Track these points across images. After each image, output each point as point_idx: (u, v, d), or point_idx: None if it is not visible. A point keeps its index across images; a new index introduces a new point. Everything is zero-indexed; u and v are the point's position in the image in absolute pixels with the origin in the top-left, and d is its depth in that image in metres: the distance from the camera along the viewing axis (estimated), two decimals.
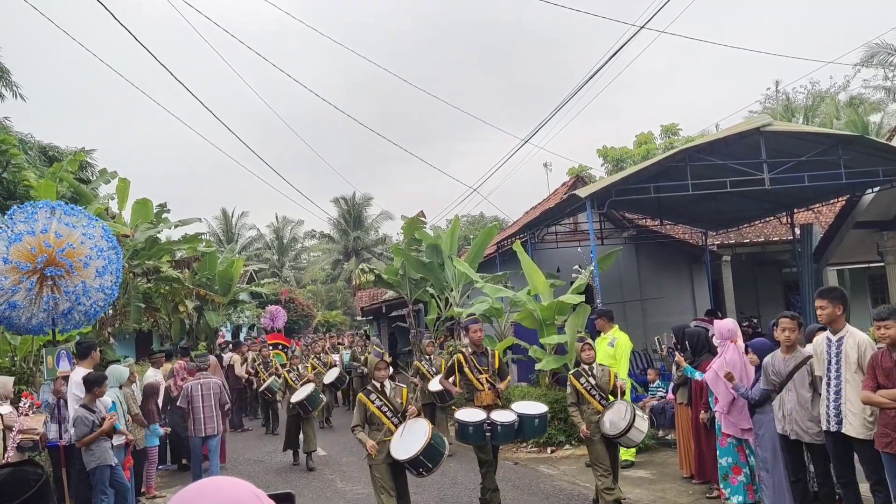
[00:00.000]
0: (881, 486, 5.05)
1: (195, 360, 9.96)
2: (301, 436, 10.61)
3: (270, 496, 1.26)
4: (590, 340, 7.40)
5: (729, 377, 6.21)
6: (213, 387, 9.05)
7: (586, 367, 6.82)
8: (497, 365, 7.17)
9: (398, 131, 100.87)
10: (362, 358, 15.07)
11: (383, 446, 6.13)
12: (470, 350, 7.24)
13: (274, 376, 13.12)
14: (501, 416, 6.63)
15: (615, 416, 6.49)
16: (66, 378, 7.63)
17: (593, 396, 6.67)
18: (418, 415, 6.40)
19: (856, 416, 5.08)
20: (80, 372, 7.50)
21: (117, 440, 7.54)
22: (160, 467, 10.32)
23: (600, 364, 7.10)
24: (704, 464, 7.29)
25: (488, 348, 7.34)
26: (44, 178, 11.90)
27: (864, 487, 5.27)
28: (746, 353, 6.45)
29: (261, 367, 14.43)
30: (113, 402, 7.68)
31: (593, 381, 6.73)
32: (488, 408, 6.80)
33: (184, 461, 10.77)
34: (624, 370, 8.64)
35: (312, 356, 15.87)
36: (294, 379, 11.33)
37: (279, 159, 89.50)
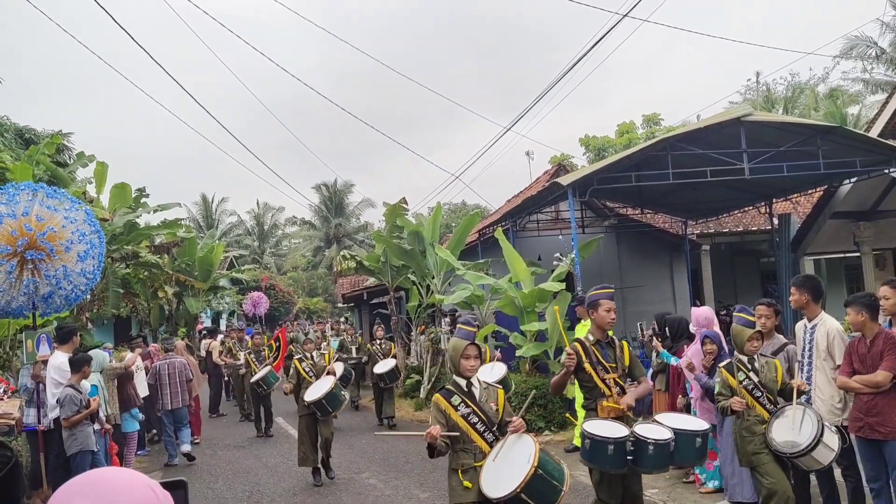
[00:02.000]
0: (852, 472, 5.19)
1: (163, 343, 11.33)
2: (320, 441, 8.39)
3: (162, 484, 1.24)
4: (759, 328, 5.44)
5: (690, 367, 6.34)
6: (178, 366, 10.23)
7: (744, 358, 5.14)
8: (628, 361, 4.99)
9: (383, 119, 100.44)
10: (353, 347, 14.57)
11: (473, 477, 4.04)
12: (592, 339, 4.98)
13: (269, 367, 12.18)
14: (651, 431, 4.55)
15: (786, 427, 4.90)
16: (45, 362, 7.56)
17: (757, 399, 5.05)
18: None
19: (823, 403, 5.23)
20: (58, 356, 7.44)
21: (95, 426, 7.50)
22: (139, 452, 10.31)
23: (761, 354, 5.30)
24: None
25: (615, 337, 5.14)
26: (20, 161, 11.72)
27: (837, 473, 5.39)
28: (703, 343, 6.48)
29: (251, 356, 13.08)
30: (94, 387, 7.63)
31: (756, 378, 5.07)
32: (616, 420, 4.73)
33: (154, 432, 11.62)
34: None
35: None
36: (308, 370, 8.72)
37: (262, 146, 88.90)
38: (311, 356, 9.02)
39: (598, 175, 10.92)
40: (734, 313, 5.31)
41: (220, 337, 16.75)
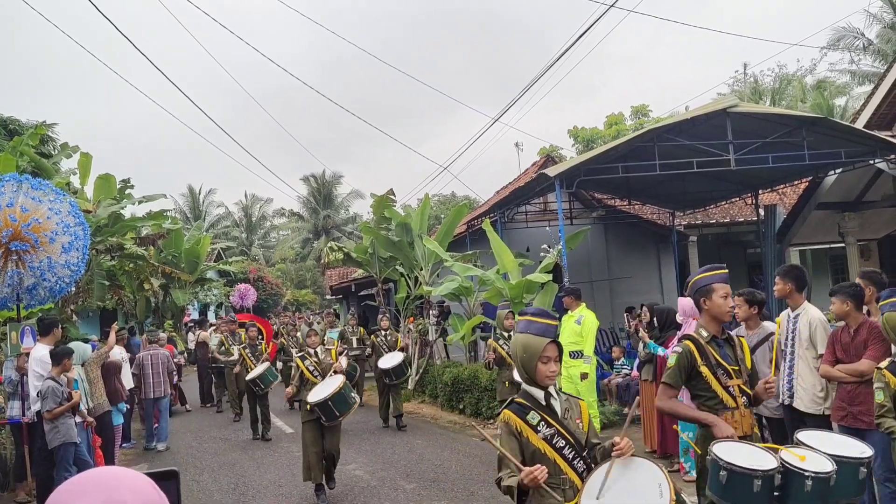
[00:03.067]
0: None
1: (148, 335, 11.78)
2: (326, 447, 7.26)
3: (152, 474, 1.21)
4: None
5: None
6: (161, 357, 10.86)
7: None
8: (750, 363, 3.90)
9: (370, 110, 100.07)
10: (353, 338, 13.29)
11: None
12: (706, 335, 3.83)
13: (268, 363, 11.28)
14: (805, 460, 3.31)
15: None
16: (29, 354, 7.50)
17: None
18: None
19: (805, 392, 5.28)
20: (40, 349, 7.37)
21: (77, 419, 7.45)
22: (124, 445, 10.27)
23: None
24: (666, 439, 7.44)
25: (732, 334, 4.00)
26: (3, 152, 11.60)
27: None
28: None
29: (246, 350, 11.92)
30: (75, 380, 7.57)
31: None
32: (743, 440, 3.58)
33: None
34: (590, 348, 8.79)
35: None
36: (312, 370, 7.42)
37: (248, 136, 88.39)
38: (316, 352, 7.64)
39: (585, 166, 10.92)
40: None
41: (210, 329, 16.30)
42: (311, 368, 7.42)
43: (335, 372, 7.42)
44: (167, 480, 1.30)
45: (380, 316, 12.78)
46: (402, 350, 11.56)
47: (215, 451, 10.20)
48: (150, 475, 1.17)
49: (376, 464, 8.47)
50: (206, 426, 12.48)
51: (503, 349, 8.60)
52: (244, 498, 7.48)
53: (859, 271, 5.60)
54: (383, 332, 12.12)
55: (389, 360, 10.98)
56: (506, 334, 8.78)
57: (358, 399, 8.02)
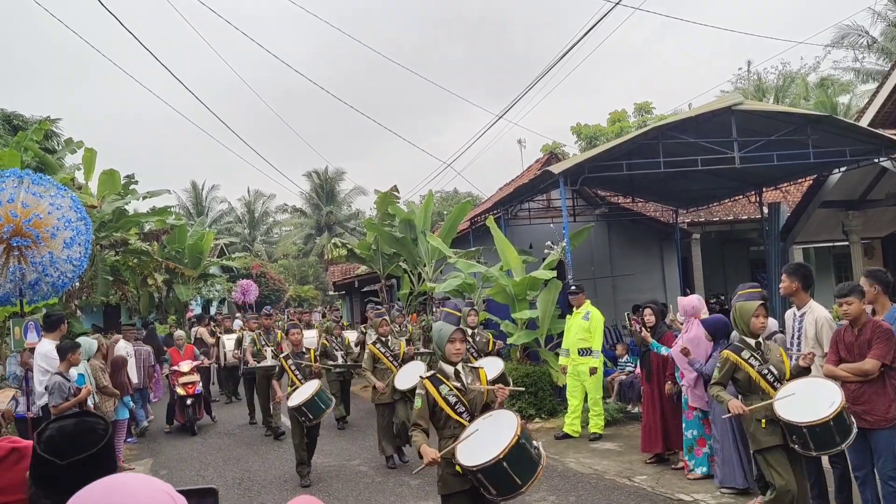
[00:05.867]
0: (839, 458, 5.23)
1: (133, 331, 12.14)
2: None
3: (191, 491, 1.22)
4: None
5: (685, 352, 6.38)
6: (143, 353, 11.69)
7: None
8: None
9: (374, 106, 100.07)
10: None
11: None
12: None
13: (317, 382, 7.64)
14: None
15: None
16: (33, 350, 7.53)
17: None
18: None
19: None
20: (45, 344, 7.40)
21: None
22: (128, 440, 10.31)
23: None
24: (669, 436, 7.41)
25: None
26: (8, 147, 11.62)
27: (824, 459, 5.43)
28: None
29: (287, 362, 8.09)
30: (80, 375, 7.60)
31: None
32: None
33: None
34: (598, 343, 8.91)
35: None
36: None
37: (253, 132, 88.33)
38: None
39: (589, 163, 10.92)
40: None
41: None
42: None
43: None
44: (205, 498, 1.32)
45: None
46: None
47: (220, 446, 10.23)
48: (188, 492, 1.19)
49: (380, 460, 8.49)
50: (207, 421, 12.49)
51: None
52: (249, 493, 7.51)
53: (864, 270, 5.60)
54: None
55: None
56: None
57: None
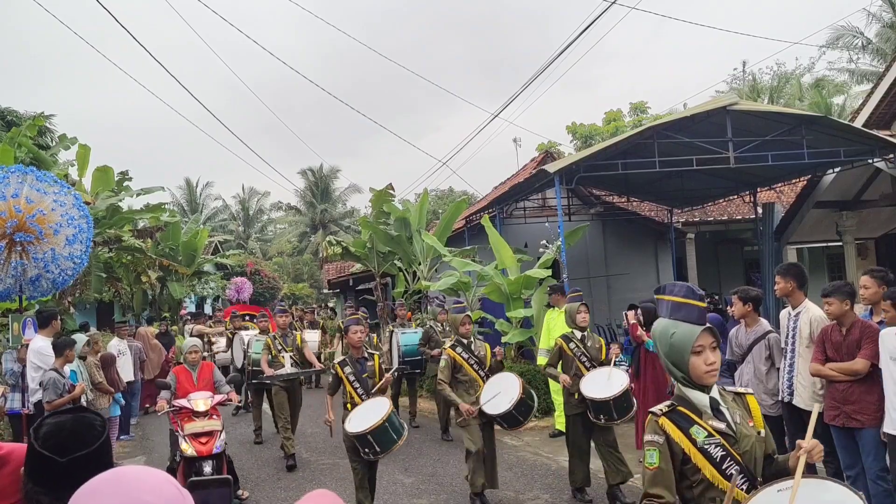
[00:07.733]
0: (831, 458, 5.25)
1: (126, 328, 12.27)
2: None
3: (207, 481, 1.22)
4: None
5: None
6: (135, 350, 11.88)
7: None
8: None
9: (370, 104, 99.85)
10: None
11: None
12: None
13: (389, 405, 5.66)
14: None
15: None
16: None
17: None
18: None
19: (805, 389, 5.30)
20: (38, 341, 7.37)
21: None
22: (121, 437, 10.28)
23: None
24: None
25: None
26: (1, 143, 11.56)
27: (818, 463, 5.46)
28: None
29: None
30: (73, 372, 7.57)
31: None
32: None
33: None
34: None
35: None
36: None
37: (246, 129, 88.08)
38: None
39: (584, 163, 10.93)
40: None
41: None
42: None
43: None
44: (221, 487, 1.33)
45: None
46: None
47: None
48: (205, 482, 1.19)
49: None
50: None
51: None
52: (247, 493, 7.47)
53: (865, 269, 5.60)
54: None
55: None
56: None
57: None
